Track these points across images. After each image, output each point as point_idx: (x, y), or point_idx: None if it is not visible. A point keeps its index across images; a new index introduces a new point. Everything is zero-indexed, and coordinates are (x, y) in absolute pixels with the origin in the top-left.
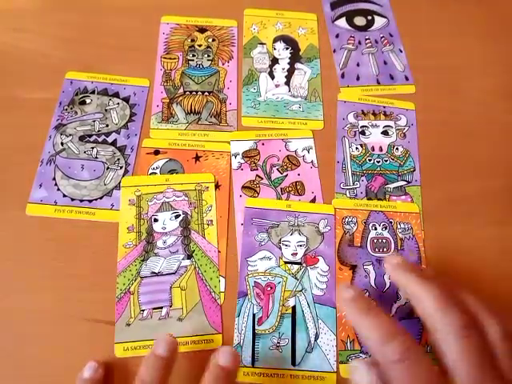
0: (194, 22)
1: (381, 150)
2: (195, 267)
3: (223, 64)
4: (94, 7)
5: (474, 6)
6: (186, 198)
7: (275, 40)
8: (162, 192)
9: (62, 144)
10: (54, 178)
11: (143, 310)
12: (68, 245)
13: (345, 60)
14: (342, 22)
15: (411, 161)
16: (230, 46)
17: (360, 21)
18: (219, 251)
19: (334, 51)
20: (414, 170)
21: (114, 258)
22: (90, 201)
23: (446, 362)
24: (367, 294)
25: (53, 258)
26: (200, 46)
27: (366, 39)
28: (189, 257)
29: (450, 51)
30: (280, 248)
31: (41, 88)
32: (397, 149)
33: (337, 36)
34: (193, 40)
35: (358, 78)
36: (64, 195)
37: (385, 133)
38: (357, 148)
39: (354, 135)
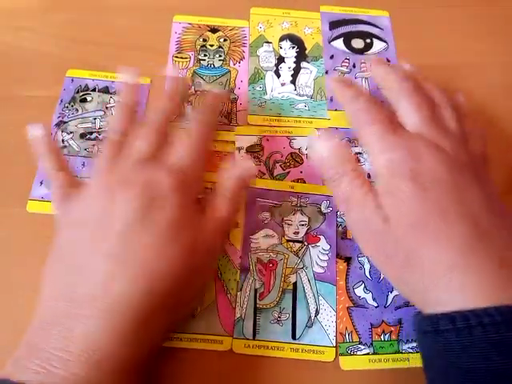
0: (206, 22)
1: None
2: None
3: (234, 64)
4: (97, 6)
5: (478, 26)
6: None
7: (281, 39)
8: None
9: (62, 141)
10: None
11: None
12: None
13: None
14: (339, 44)
15: None
16: (241, 46)
17: (358, 43)
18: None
19: (327, 72)
20: None
21: None
22: None
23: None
24: (362, 285)
25: None
26: (212, 45)
27: (362, 63)
28: None
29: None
30: (282, 227)
31: (42, 86)
32: None
33: (331, 57)
34: (204, 40)
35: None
36: None
37: None
38: None
39: None
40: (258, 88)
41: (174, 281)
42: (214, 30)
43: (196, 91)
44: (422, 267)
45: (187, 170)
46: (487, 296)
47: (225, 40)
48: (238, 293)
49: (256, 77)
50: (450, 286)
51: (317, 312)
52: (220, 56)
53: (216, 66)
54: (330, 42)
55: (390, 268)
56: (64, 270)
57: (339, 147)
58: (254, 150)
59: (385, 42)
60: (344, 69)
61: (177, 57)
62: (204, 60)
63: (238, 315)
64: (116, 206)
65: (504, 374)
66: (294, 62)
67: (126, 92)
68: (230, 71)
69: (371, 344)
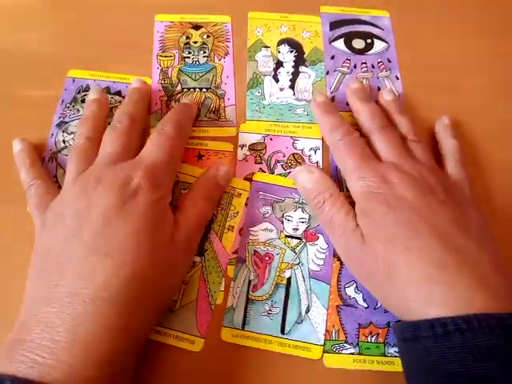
0: (189, 19)
1: None
2: (202, 266)
3: (219, 60)
4: (95, 5)
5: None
6: None
7: (279, 43)
8: None
9: (63, 142)
10: (56, 176)
11: None
12: None
13: (337, 84)
14: (340, 44)
15: None
16: (225, 41)
17: (358, 43)
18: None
19: (328, 73)
20: None
21: None
22: None
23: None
24: (354, 284)
25: None
26: (195, 42)
27: (363, 63)
28: (200, 254)
29: (454, 78)
30: (282, 222)
31: (42, 86)
32: None
33: (332, 57)
34: (188, 37)
35: (347, 104)
36: None
37: None
38: None
39: None
40: (256, 93)
41: (154, 268)
42: (196, 27)
43: (183, 89)
44: (401, 278)
45: (159, 167)
46: (465, 308)
47: (208, 36)
48: (232, 282)
49: (254, 82)
50: (431, 297)
51: (308, 309)
52: (204, 52)
53: (201, 62)
54: (330, 43)
55: (372, 282)
56: (45, 273)
57: (319, 178)
58: (256, 148)
59: (385, 42)
60: (345, 69)
61: (161, 56)
62: (188, 57)
63: (229, 304)
64: (92, 202)
65: (481, 379)
66: (293, 67)
67: (94, 105)
68: (215, 67)
69: (357, 344)
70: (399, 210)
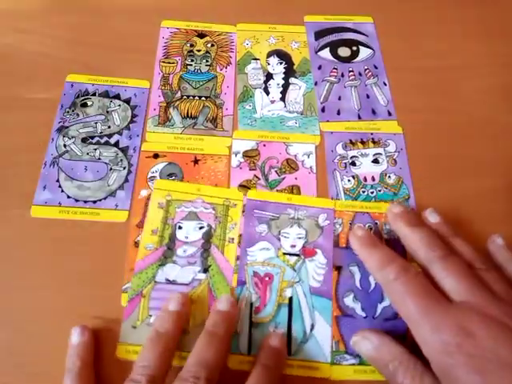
0: (194, 27)
1: (373, 179)
2: (209, 282)
3: (221, 69)
4: (96, 9)
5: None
6: (213, 212)
7: (269, 55)
8: (191, 201)
9: (64, 146)
10: (58, 180)
11: (151, 316)
12: (72, 244)
13: (326, 93)
14: (326, 53)
15: (405, 188)
16: (228, 51)
17: (344, 51)
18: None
19: (316, 84)
20: (409, 198)
21: (119, 256)
22: (95, 201)
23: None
24: (352, 294)
25: (56, 256)
26: (199, 51)
27: (350, 71)
28: (205, 270)
29: (446, 80)
30: (279, 239)
31: (43, 88)
32: (389, 177)
33: (319, 68)
34: (192, 45)
35: (338, 113)
36: (68, 196)
37: (375, 161)
38: (349, 180)
39: (345, 167)
40: (247, 107)
41: None
42: (201, 35)
43: (182, 96)
44: None
45: None
46: None
47: (212, 45)
48: None
49: (245, 95)
50: None
51: (312, 327)
52: (207, 61)
53: (203, 71)
54: (316, 53)
55: None
56: None
57: (380, 346)
58: (250, 155)
59: (371, 48)
60: (333, 79)
61: (163, 62)
62: (191, 65)
63: None
64: None
65: None
66: (283, 79)
67: (166, 320)
68: (216, 76)
69: (357, 355)
70: (496, 380)
